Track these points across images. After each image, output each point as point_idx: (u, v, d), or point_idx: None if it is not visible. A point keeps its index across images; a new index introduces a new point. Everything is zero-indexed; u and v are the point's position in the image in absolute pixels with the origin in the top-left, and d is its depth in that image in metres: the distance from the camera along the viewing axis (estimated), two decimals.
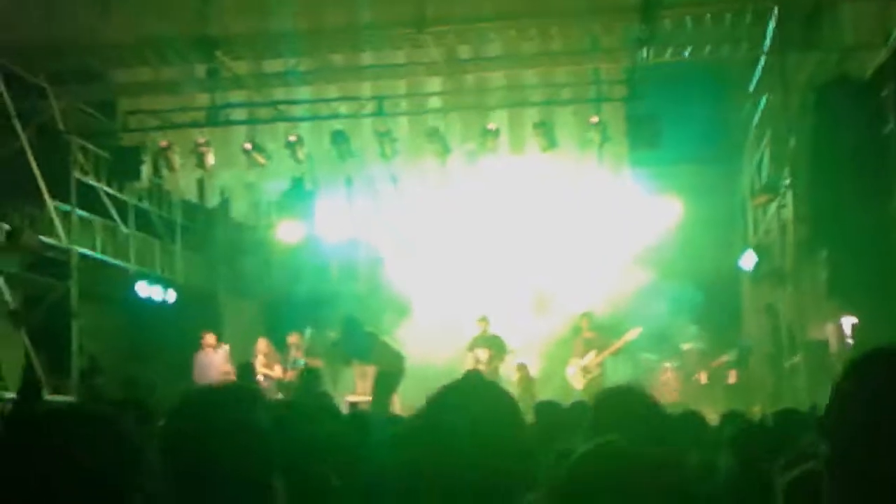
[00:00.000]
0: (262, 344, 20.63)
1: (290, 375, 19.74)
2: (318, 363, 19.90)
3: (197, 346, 20.51)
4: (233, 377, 19.30)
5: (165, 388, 18.31)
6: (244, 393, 3.30)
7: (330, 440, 5.32)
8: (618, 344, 20.02)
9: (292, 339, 20.54)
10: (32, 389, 15.55)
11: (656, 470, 2.97)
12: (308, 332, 20.50)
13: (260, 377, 19.68)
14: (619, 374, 20.16)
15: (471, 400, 3.03)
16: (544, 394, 18.32)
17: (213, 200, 22.40)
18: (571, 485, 2.95)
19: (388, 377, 18.01)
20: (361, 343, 18.39)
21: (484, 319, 20.42)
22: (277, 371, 20.32)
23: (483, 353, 19.84)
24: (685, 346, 21.19)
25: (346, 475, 5.06)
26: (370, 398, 18.28)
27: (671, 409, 16.07)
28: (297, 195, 21.79)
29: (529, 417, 9.17)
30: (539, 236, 21.77)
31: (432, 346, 21.40)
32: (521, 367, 20.04)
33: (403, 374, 18.05)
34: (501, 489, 2.83)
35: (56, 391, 18.33)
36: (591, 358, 19.89)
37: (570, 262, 21.63)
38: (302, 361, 19.81)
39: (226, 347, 20.69)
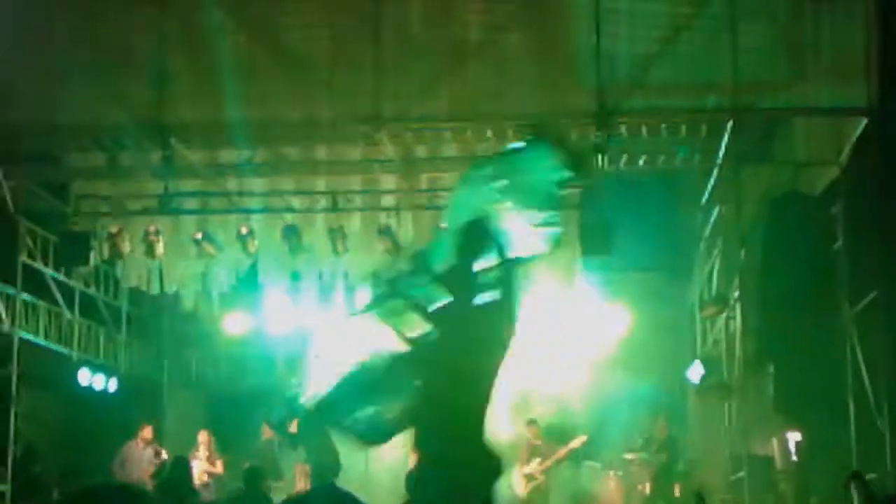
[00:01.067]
0: (203, 436, 20.29)
1: None
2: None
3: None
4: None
5: (102, 479, 17.99)
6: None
7: None
8: (562, 451, 19.92)
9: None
10: None
11: None
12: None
13: (200, 474, 19.32)
14: (562, 482, 20.04)
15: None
16: None
17: (160, 289, 22.19)
18: None
19: (325, 471, 17.80)
20: (307, 424, 18.13)
21: None
22: (219, 467, 20.02)
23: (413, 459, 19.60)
24: (629, 456, 21.05)
25: None
26: None
27: None
28: (246, 287, 21.68)
29: None
30: None
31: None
32: None
33: (340, 469, 17.83)
34: None
35: None
36: (535, 465, 19.75)
37: (516, 366, 21.53)
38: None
39: (155, 448, 20.16)
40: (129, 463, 19.54)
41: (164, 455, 19.59)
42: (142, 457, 19.71)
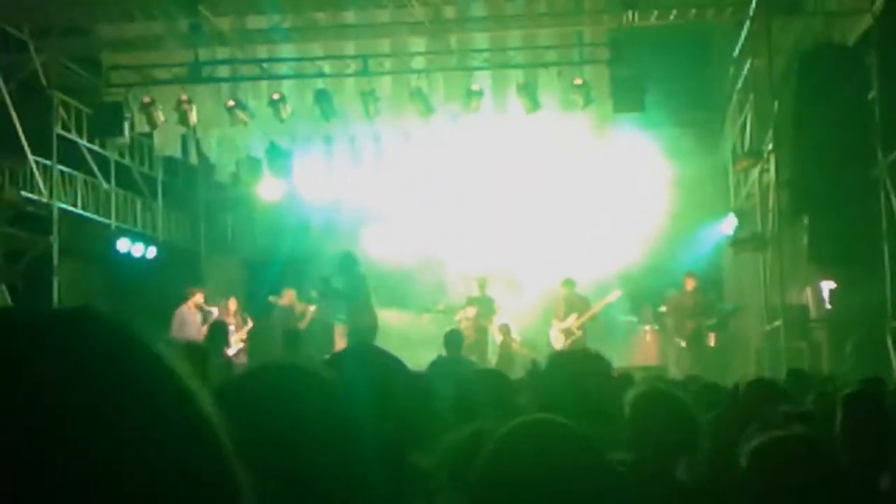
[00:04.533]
0: (231, 303, 20.45)
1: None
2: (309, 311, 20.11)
3: (178, 302, 20.34)
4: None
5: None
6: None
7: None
8: (598, 307, 20.13)
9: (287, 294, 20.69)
10: None
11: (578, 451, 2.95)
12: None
13: (235, 341, 19.51)
14: (599, 336, 20.25)
15: (363, 362, 3.09)
16: (528, 355, 18.41)
17: (194, 157, 22.33)
18: (489, 469, 2.95)
19: (364, 333, 18.01)
20: (355, 281, 18.28)
21: (482, 280, 20.58)
22: (244, 333, 20.14)
23: (471, 311, 19.96)
24: (664, 309, 21.23)
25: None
26: None
27: (647, 371, 16.23)
28: (279, 153, 21.79)
29: (513, 375, 9.26)
30: (522, 199, 21.75)
31: (412, 306, 21.56)
32: (503, 328, 20.13)
33: (377, 331, 18.09)
34: (388, 445, 2.84)
35: None
36: (572, 320, 19.98)
37: (554, 225, 21.65)
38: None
39: (204, 310, 20.37)
40: (185, 326, 19.73)
41: (215, 314, 19.87)
42: (195, 320, 19.95)
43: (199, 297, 20.23)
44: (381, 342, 19.22)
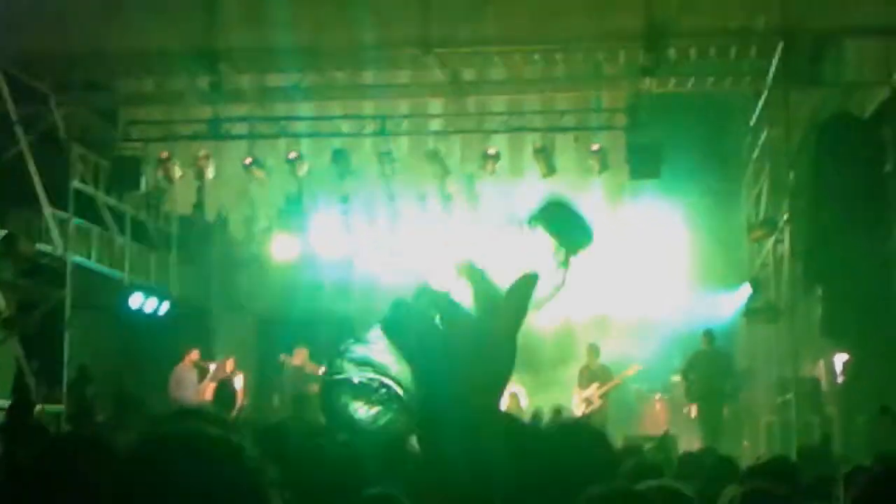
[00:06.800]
0: (230, 364, 20.46)
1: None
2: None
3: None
4: (208, 396, 19.12)
5: (155, 401, 18.28)
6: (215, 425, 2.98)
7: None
8: (617, 379, 20.07)
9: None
10: (24, 403, 15.47)
11: None
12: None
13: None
14: (610, 405, 20.18)
15: None
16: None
17: (210, 214, 22.34)
18: None
19: None
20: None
21: None
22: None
23: None
24: (675, 378, 21.13)
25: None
26: None
27: (656, 441, 16.09)
28: (295, 211, 21.78)
29: None
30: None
31: None
32: (512, 396, 20.10)
33: None
34: None
35: (47, 400, 18.26)
36: (593, 389, 19.91)
37: (570, 290, 21.55)
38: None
39: (201, 367, 20.46)
40: (182, 384, 19.80)
41: (212, 370, 19.97)
42: (191, 378, 20.01)
43: (194, 355, 20.28)
44: None
